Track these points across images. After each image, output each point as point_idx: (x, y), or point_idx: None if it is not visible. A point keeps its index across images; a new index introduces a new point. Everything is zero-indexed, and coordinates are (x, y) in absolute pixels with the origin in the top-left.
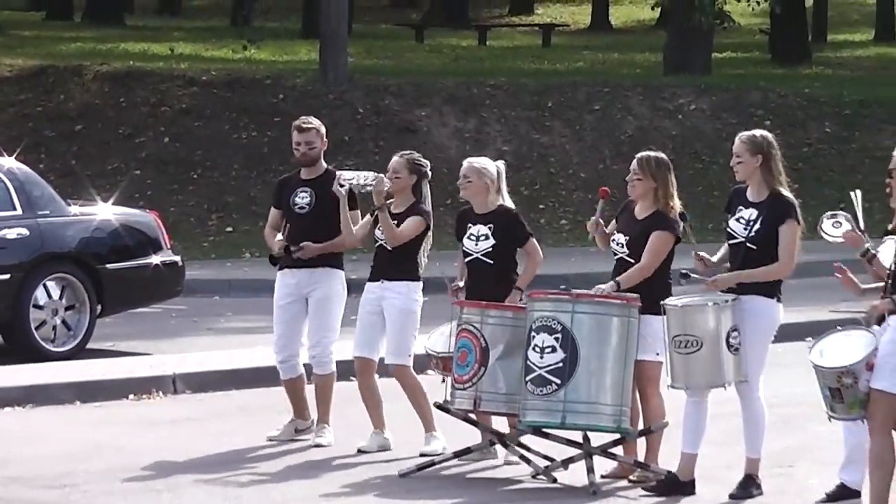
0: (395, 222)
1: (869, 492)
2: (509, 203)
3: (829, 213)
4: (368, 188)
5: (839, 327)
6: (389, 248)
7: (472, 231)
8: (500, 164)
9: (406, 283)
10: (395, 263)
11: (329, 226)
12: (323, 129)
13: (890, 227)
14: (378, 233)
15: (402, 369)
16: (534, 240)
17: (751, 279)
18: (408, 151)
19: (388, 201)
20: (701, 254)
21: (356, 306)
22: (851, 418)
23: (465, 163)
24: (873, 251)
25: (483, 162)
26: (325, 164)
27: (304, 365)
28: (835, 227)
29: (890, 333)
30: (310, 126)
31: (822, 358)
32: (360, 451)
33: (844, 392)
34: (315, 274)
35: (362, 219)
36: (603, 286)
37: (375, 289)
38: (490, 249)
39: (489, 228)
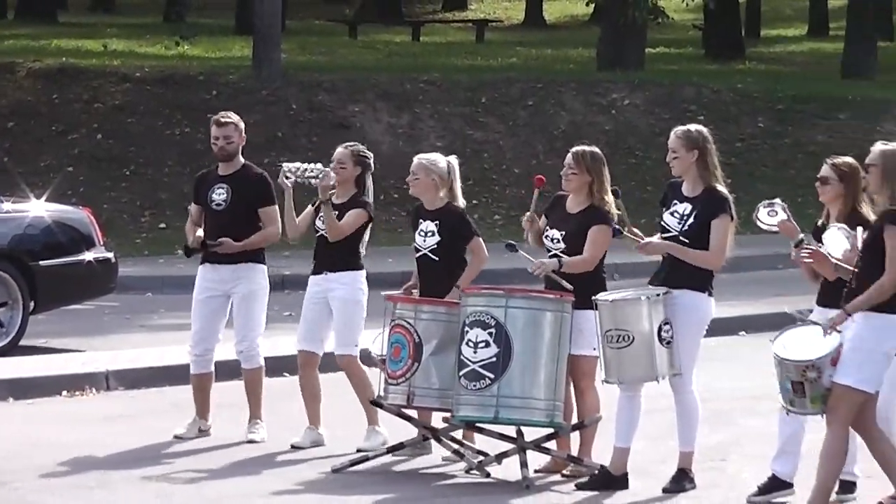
0: (337, 213)
1: (816, 483)
2: (461, 199)
3: (766, 201)
4: (313, 180)
5: (799, 322)
6: (330, 240)
7: (422, 227)
8: (453, 159)
9: (350, 273)
10: (338, 255)
11: (246, 222)
12: (242, 125)
13: (819, 222)
14: (319, 223)
15: (350, 359)
16: (479, 239)
17: (683, 256)
18: (352, 143)
19: (330, 192)
20: (634, 230)
21: (287, 302)
22: (811, 413)
23: (415, 159)
24: (806, 241)
25: (432, 158)
26: (242, 160)
27: (226, 362)
28: (770, 216)
29: (855, 330)
30: (228, 121)
31: (787, 351)
32: (293, 447)
33: (808, 386)
34: (238, 270)
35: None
36: (545, 261)
37: (320, 281)
38: (436, 246)
39: (436, 225)
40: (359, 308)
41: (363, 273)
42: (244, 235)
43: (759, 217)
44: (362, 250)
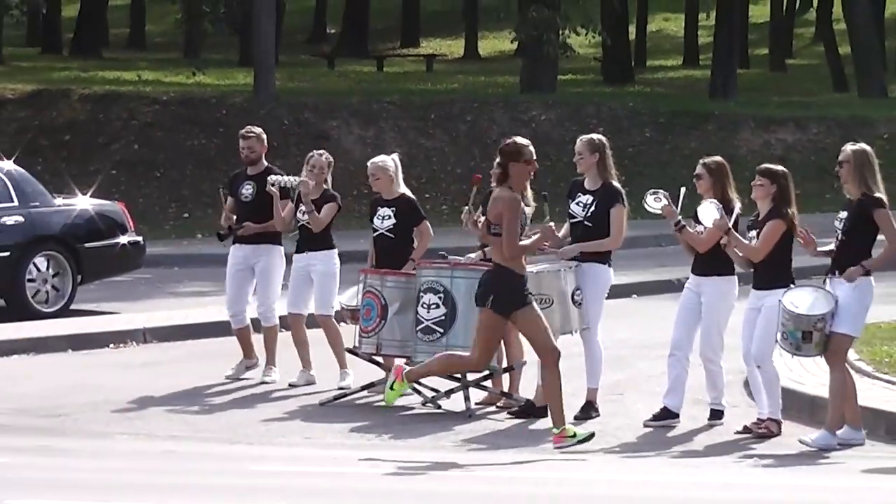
0: (314, 207)
1: (830, 413)
2: (404, 187)
3: (652, 190)
4: (293, 185)
5: (793, 285)
6: (314, 231)
7: (380, 212)
8: (395, 156)
9: (326, 251)
10: (316, 237)
11: (266, 211)
12: (264, 136)
13: (751, 219)
14: (300, 215)
15: (326, 319)
16: (426, 222)
17: (589, 249)
18: (321, 151)
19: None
20: (551, 224)
21: (287, 274)
22: (813, 355)
23: (370, 163)
24: (683, 223)
25: (383, 159)
26: (265, 163)
27: (252, 319)
28: (655, 202)
29: (846, 290)
30: (251, 134)
31: (799, 308)
32: (290, 386)
33: (815, 335)
34: (259, 249)
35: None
36: (472, 255)
37: (302, 258)
38: (391, 227)
39: (392, 211)
40: (334, 278)
41: (336, 251)
42: (264, 221)
43: (647, 202)
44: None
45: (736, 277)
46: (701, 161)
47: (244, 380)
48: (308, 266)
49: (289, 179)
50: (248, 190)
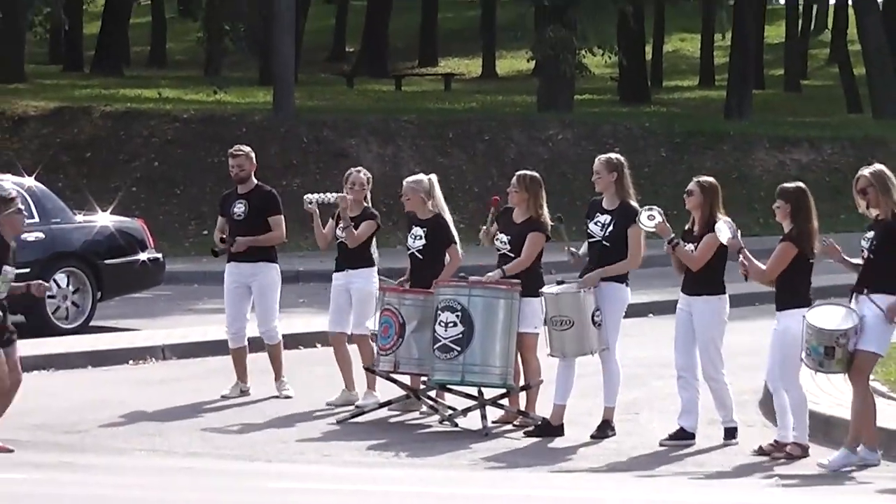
0: (353, 223)
1: (851, 432)
2: (444, 206)
3: (646, 207)
4: (330, 202)
5: (817, 302)
6: (350, 246)
7: (413, 232)
8: (433, 176)
9: (365, 269)
10: (355, 255)
11: (257, 228)
12: (252, 154)
13: (686, 226)
14: (339, 232)
15: (362, 338)
16: (456, 246)
17: (609, 274)
18: (359, 168)
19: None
20: (572, 249)
21: (301, 292)
22: (835, 372)
23: (404, 183)
24: (677, 240)
25: (416, 178)
26: (255, 181)
27: (252, 338)
28: (649, 220)
29: (873, 308)
30: (240, 152)
31: (822, 323)
32: (328, 405)
33: (837, 350)
34: (255, 267)
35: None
36: (491, 274)
37: (341, 277)
38: (421, 247)
39: (423, 231)
40: (372, 298)
41: (375, 269)
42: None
43: (640, 220)
44: (374, 250)
45: (727, 296)
46: (695, 178)
47: (245, 396)
48: (348, 284)
49: (326, 196)
50: (239, 208)
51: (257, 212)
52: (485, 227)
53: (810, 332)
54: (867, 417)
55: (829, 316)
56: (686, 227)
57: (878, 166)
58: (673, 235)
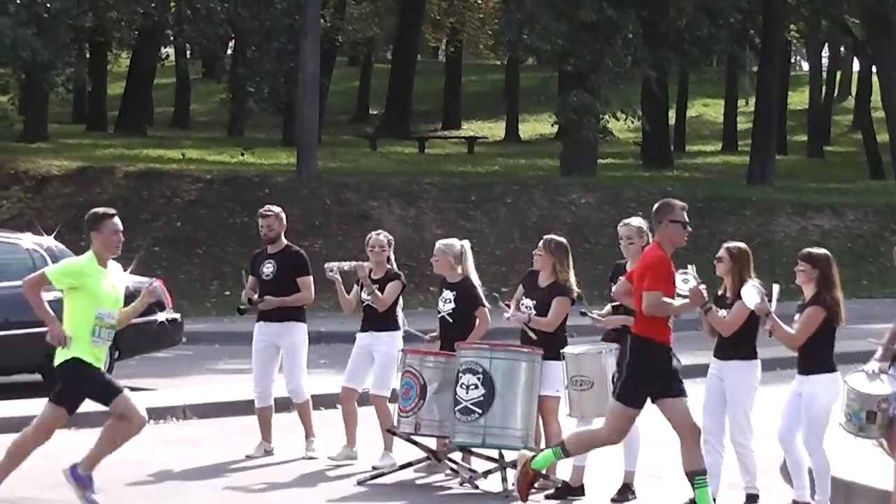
0: (378, 285)
1: (893, 498)
2: (474, 273)
3: (681, 270)
4: (351, 269)
5: (859, 367)
6: (379, 311)
7: (443, 295)
8: (466, 243)
9: (390, 332)
10: (381, 317)
11: (286, 288)
12: (283, 215)
13: (719, 292)
14: (364, 296)
15: (381, 400)
16: (484, 309)
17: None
18: (378, 231)
19: (369, 272)
20: (594, 315)
21: (323, 352)
22: (874, 437)
23: (437, 244)
24: (710, 305)
25: (449, 243)
26: (284, 241)
27: (283, 398)
28: (684, 283)
29: None
30: (269, 213)
31: (864, 388)
32: (330, 459)
33: (879, 416)
34: (283, 326)
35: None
36: (519, 313)
37: (366, 338)
38: (451, 311)
39: (453, 295)
40: (394, 361)
41: (400, 333)
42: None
43: (675, 284)
44: (399, 312)
45: (758, 361)
46: (725, 245)
47: (287, 458)
48: (371, 346)
49: (342, 265)
50: (269, 268)
51: (286, 272)
52: (501, 303)
53: (852, 397)
54: None
55: (869, 380)
56: (718, 293)
57: None
58: (706, 299)
